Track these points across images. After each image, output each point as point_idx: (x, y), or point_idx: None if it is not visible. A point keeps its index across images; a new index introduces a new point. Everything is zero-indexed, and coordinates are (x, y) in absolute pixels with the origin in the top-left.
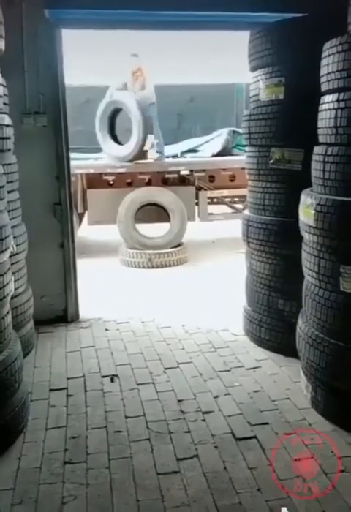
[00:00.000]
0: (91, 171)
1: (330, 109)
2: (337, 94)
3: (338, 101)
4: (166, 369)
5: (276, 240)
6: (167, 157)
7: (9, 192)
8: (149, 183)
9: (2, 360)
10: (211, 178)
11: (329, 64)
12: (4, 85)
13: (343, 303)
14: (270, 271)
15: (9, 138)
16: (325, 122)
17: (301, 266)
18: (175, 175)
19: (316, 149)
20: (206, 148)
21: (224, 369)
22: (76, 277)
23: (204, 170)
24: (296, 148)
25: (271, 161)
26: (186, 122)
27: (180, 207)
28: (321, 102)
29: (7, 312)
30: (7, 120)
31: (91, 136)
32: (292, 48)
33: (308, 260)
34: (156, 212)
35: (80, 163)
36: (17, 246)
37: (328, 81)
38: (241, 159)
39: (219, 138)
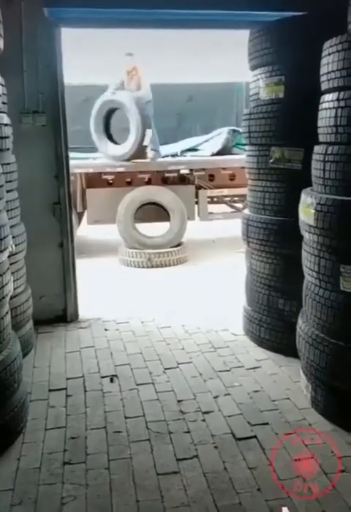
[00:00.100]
0: (91, 170)
1: (330, 108)
2: (337, 93)
3: (338, 100)
4: (166, 369)
5: (276, 239)
6: (167, 156)
7: (8, 191)
8: (149, 183)
9: (1, 360)
10: (211, 177)
11: (329, 62)
12: (2, 84)
13: (343, 303)
14: (270, 271)
15: (8, 137)
16: (325, 121)
17: (301, 266)
18: (175, 175)
19: (317, 148)
20: (206, 147)
21: (224, 368)
22: (75, 277)
23: (204, 169)
24: (296, 147)
25: (271, 160)
26: (186, 121)
27: (180, 206)
28: (321, 100)
29: (6, 312)
30: (6, 119)
31: (90, 135)
32: (292, 47)
33: (308, 260)
34: (155, 211)
35: (80, 162)
36: (16, 245)
37: (328, 80)
38: (241, 158)
39: (218, 137)
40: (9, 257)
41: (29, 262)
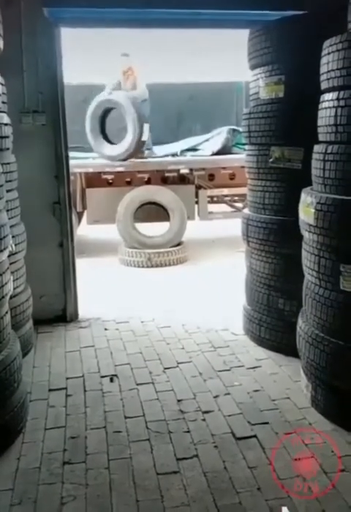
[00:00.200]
0: (90, 170)
1: (330, 107)
2: (337, 93)
3: (338, 99)
4: (165, 368)
5: (275, 239)
6: (167, 156)
7: (7, 191)
8: (148, 182)
9: (1, 360)
10: (211, 177)
11: (329, 62)
12: (2, 84)
13: (343, 302)
14: (270, 270)
15: (7, 137)
16: (325, 120)
17: (301, 265)
18: (175, 174)
19: (316, 148)
20: (206, 146)
21: (223, 368)
22: (75, 277)
23: (204, 169)
24: (296, 147)
25: (271, 159)
26: (186, 121)
27: (180, 206)
28: (321, 100)
29: (6, 312)
30: (6, 119)
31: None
32: (292, 46)
33: (308, 259)
34: (155, 211)
35: (79, 162)
36: (16, 245)
37: (328, 79)
38: (241, 157)
39: (218, 137)
40: (9, 256)
41: (29, 262)
